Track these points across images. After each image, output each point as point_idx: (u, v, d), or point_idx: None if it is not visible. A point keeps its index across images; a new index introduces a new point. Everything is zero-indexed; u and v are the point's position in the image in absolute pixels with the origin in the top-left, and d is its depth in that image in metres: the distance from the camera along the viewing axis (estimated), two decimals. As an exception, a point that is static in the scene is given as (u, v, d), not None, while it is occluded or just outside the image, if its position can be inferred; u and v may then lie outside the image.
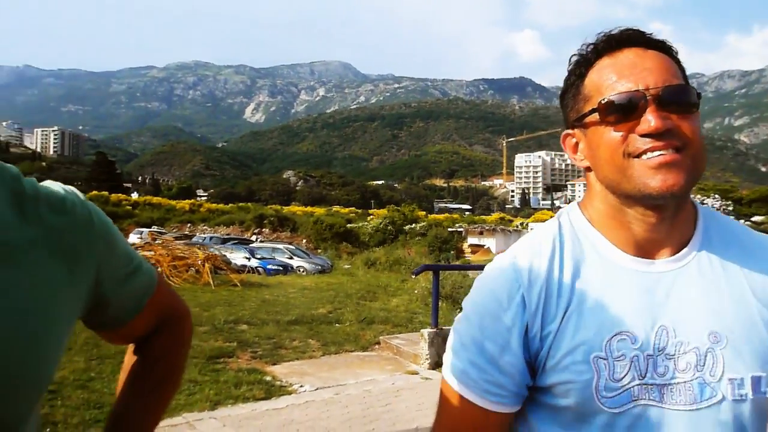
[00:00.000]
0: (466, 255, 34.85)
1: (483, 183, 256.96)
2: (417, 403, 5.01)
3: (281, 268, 20.53)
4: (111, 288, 0.81)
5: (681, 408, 0.80)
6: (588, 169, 0.89)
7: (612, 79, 0.82)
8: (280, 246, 25.02)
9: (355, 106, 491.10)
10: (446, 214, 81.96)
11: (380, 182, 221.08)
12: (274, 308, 10.26)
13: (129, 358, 0.95)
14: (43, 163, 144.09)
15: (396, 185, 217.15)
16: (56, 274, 0.71)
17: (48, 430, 3.96)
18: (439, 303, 7.64)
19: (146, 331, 0.93)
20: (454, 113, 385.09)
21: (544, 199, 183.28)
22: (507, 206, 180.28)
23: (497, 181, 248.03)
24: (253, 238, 34.63)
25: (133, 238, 27.86)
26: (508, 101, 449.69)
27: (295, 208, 73.63)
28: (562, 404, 0.83)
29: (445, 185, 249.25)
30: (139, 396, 0.92)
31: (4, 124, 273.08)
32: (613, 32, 0.85)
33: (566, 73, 0.90)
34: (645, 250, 0.85)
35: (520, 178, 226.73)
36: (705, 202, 38.76)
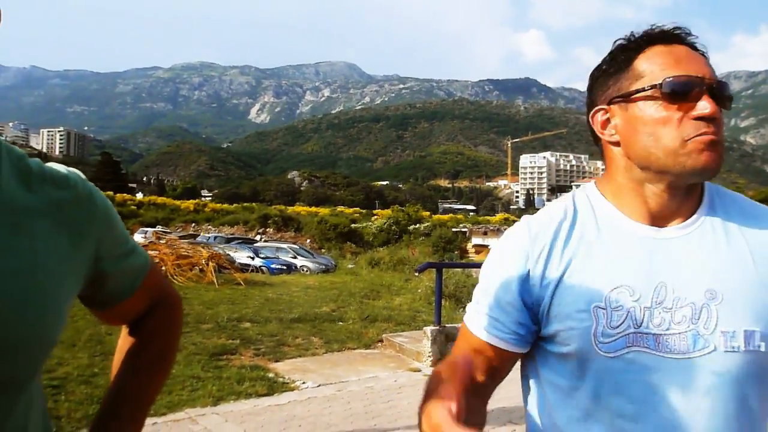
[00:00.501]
0: (470, 255, 34.80)
1: (487, 184, 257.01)
2: (419, 400, 4.98)
3: (285, 268, 20.50)
4: (109, 264, 0.85)
5: (674, 356, 0.84)
6: (616, 144, 0.95)
7: (670, 63, 0.88)
8: (284, 245, 24.96)
9: (360, 107, 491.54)
10: (451, 215, 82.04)
11: (385, 183, 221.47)
12: (278, 306, 10.23)
13: (123, 340, 0.98)
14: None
15: (400, 186, 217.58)
16: (60, 244, 0.75)
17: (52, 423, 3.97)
18: (442, 302, 7.62)
19: (140, 311, 0.96)
20: (459, 114, 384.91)
21: (548, 200, 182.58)
22: (511, 207, 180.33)
23: (502, 182, 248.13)
24: (257, 237, 34.59)
25: (138, 238, 27.73)
26: (513, 102, 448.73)
27: (300, 209, 73.85)
28: (564, 351, 0.91)
29: (450, 186, 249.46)
30: (134, 374, 0.95)
31: (10, 124, 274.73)
32: (665, 27, 0.93)
33: (606, 55, 0.96)
34: (656, 220, 0.92)
35: (525, 178, 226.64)
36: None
